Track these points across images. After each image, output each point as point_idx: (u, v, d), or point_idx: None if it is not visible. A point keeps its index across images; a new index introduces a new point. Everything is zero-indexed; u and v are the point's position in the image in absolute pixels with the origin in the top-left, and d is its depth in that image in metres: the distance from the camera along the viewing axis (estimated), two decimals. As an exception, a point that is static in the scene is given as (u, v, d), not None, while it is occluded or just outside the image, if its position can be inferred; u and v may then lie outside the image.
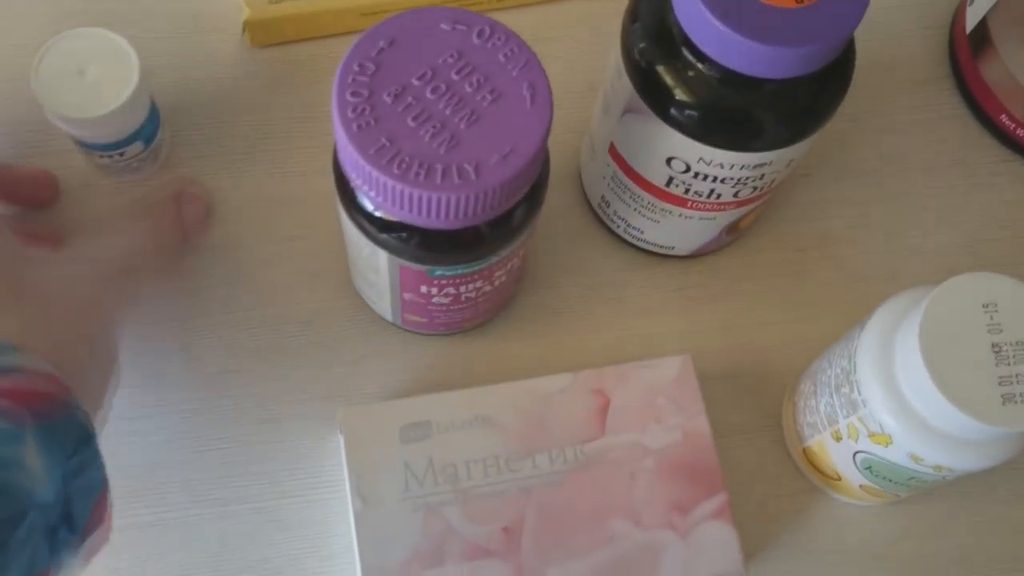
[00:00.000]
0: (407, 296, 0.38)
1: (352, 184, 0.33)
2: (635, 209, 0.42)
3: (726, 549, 0.38)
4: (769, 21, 0.32)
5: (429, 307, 0.39)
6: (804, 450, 0.41)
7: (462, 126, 0.31)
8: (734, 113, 0.35)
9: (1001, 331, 0.32)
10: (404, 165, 0.31)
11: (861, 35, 0.51)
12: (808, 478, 0.42)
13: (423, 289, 0.37)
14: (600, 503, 0.38)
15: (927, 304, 0.32)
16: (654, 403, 0.40)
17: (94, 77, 0.40)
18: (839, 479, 0.40)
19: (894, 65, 0.51)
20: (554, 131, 0.46)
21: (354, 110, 0.31)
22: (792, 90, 0.35)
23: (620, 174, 0.41)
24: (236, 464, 0.41)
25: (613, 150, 0.40)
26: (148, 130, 0.43)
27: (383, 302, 0.40)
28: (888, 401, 0.34)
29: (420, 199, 0.31)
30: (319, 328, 0.43)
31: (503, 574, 0.37)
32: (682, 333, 0.44)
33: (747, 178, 0.38)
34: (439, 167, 0.31)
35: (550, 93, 0.32)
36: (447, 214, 0.31)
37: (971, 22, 0.49)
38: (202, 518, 0.40)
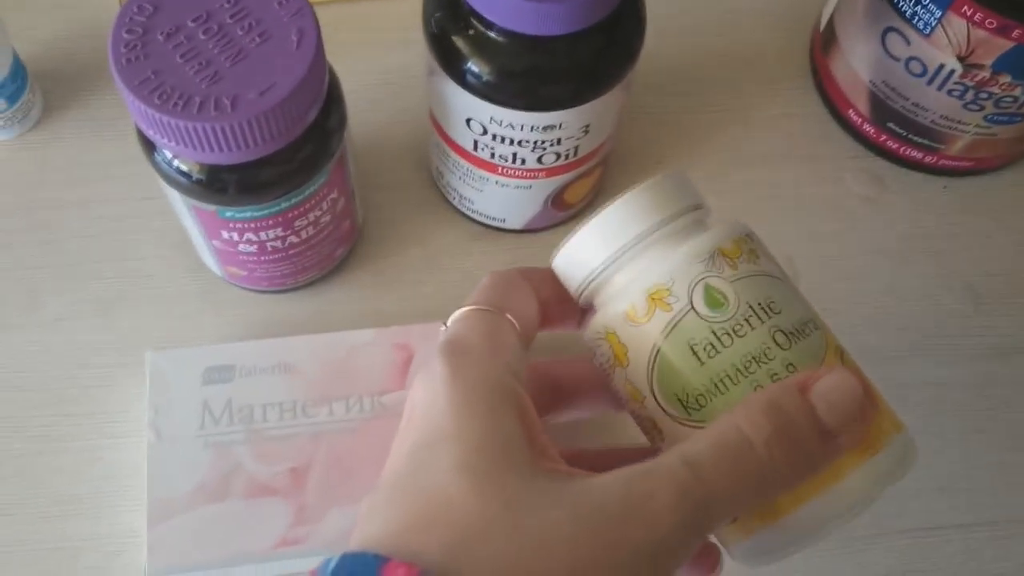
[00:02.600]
0: (216, 244, 0.40)
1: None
2: (459, 177, 0.43)
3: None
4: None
5: (241, 257, 0.41)
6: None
7: (227, 64, 0.33)
8: (514, 72, 0.37)
9: None
10: (164, 96, 0.32)
11: (725, 32, 0.53)
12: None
13: (224, 235, 0.39)
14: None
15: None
16: (456, 360, 0.41)
17: (-47, 32, 0.43)
18: None
19: (758, 62, 0.52)
20: (412, 110, 0.48)
21: (127, 46, 0.33)
22: (568, 51, 0.36)
23: (440, 140, 0.42)
24: (65, 404, 0.43)
25: (432, 115, 0.42)
26: (11, 88, 0.45)
27: (204, 253, 0.42)
28: None
29: (178, 128, 0.32)
30: (159, 283, 0.45)
31: (284, 512, 0.38)
32: (510, 303, 0.45)
33: (543, 141, 0.39)
34: (198, 99, 0.33)
35: (317, 38, 0.34)
36: (206, 145, 0.33)
37: (823, 20, 0.50)
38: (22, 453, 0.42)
